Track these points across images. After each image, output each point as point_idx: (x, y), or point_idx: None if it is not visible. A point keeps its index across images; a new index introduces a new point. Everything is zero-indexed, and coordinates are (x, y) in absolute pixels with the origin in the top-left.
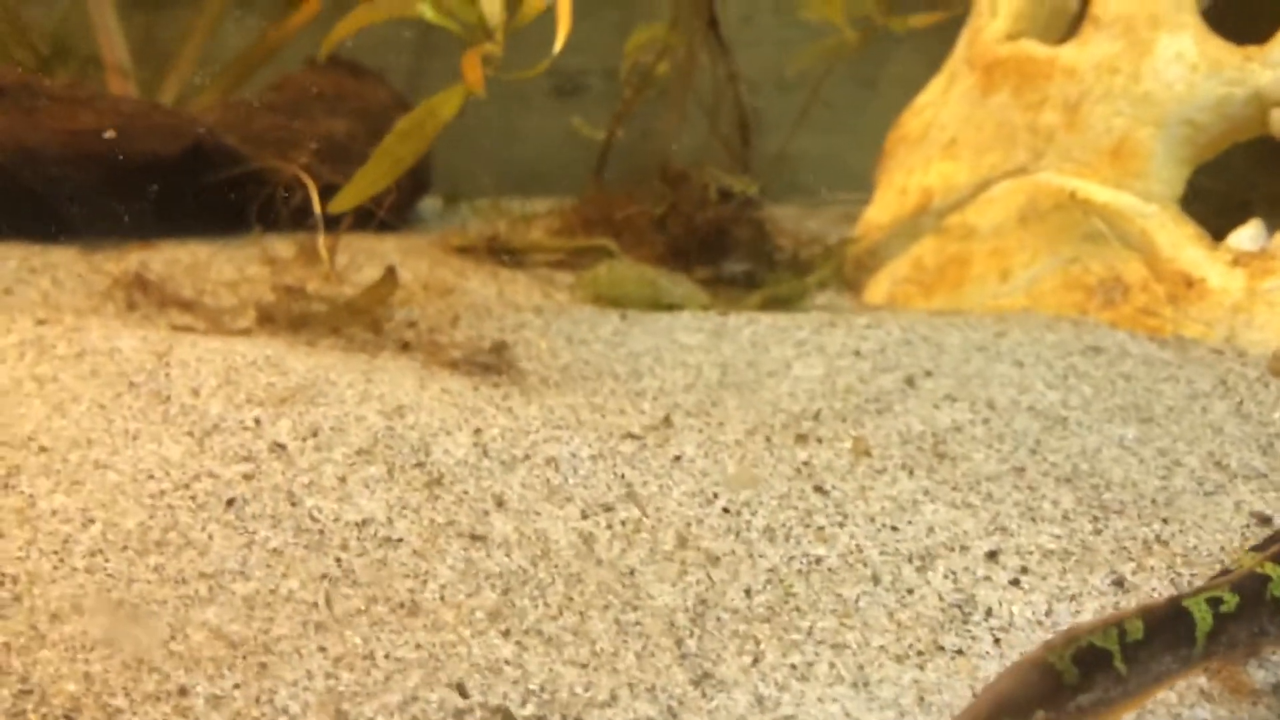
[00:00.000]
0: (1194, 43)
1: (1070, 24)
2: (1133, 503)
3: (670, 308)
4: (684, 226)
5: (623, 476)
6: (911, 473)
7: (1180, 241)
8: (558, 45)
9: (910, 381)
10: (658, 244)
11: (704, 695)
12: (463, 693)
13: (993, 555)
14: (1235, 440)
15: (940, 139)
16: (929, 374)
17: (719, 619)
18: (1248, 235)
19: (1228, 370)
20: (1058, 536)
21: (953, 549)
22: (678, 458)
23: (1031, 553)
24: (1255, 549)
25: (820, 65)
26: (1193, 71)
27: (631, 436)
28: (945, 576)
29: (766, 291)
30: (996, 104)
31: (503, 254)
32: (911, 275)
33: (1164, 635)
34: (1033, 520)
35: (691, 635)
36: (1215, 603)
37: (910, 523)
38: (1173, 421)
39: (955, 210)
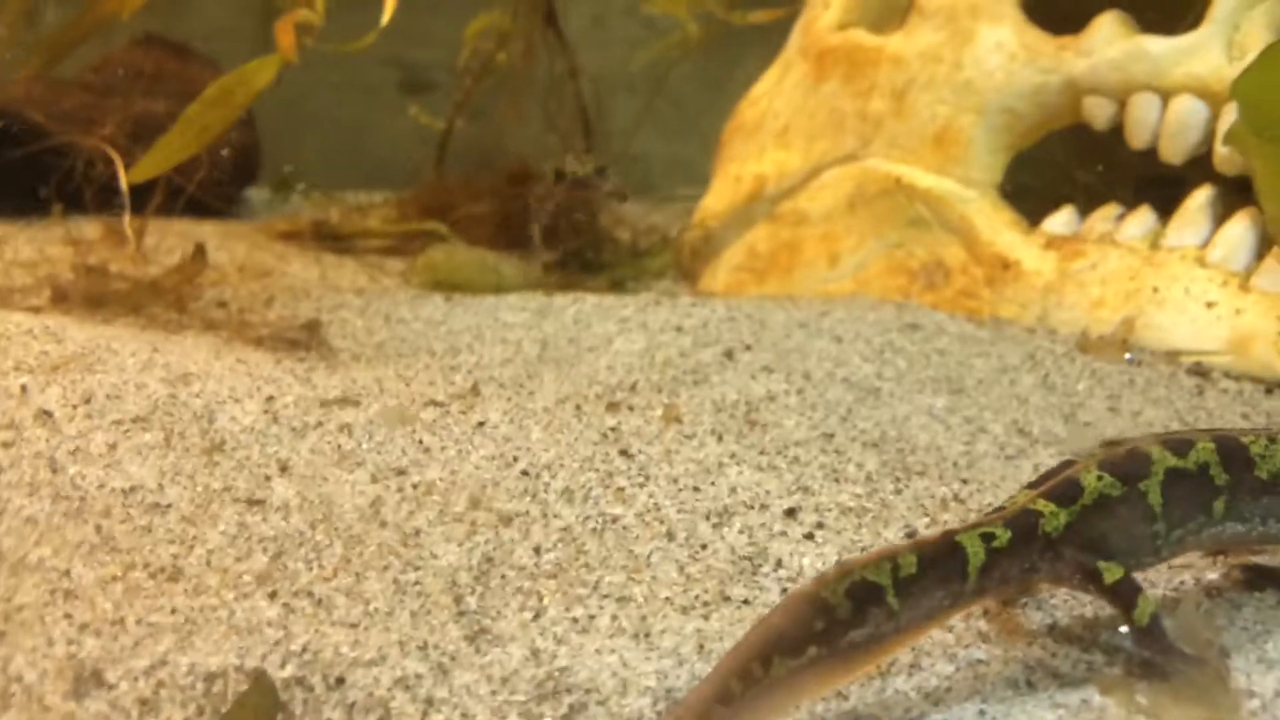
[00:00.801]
0: (1012, 32)
1: (903, 16)
2: (935, 465)
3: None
4: (524, 215)
5: (420, 442)
6: (720, 438)
7: (998, 226)
8: (385, 16)
9: (729, 355)
10: (498, 232)
11: (478, 650)
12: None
13: (791, 512)
14: (1039, 409)
15: (774, 127)
16: (749, 348)
17: (503, 576)
18: (1061, 220)
19: (1037, 346)
20: (858, 495)
21: (752, 507)
22: (481, 424)
23: (830, 510)
24: (1030, 486)
25: (665, 62)
26: (1011, 60)
27: (434, 404)
28: (741, 532)
29: (606, 275)
30: (827, 92)
31: (329, 239)
32: (745, 263)
33: (936, 570)
34: (836, 481)
35: (473, 593)
36: (988, 538)
37: (713, 484)
38: (981, 393)
39: (787, 197)
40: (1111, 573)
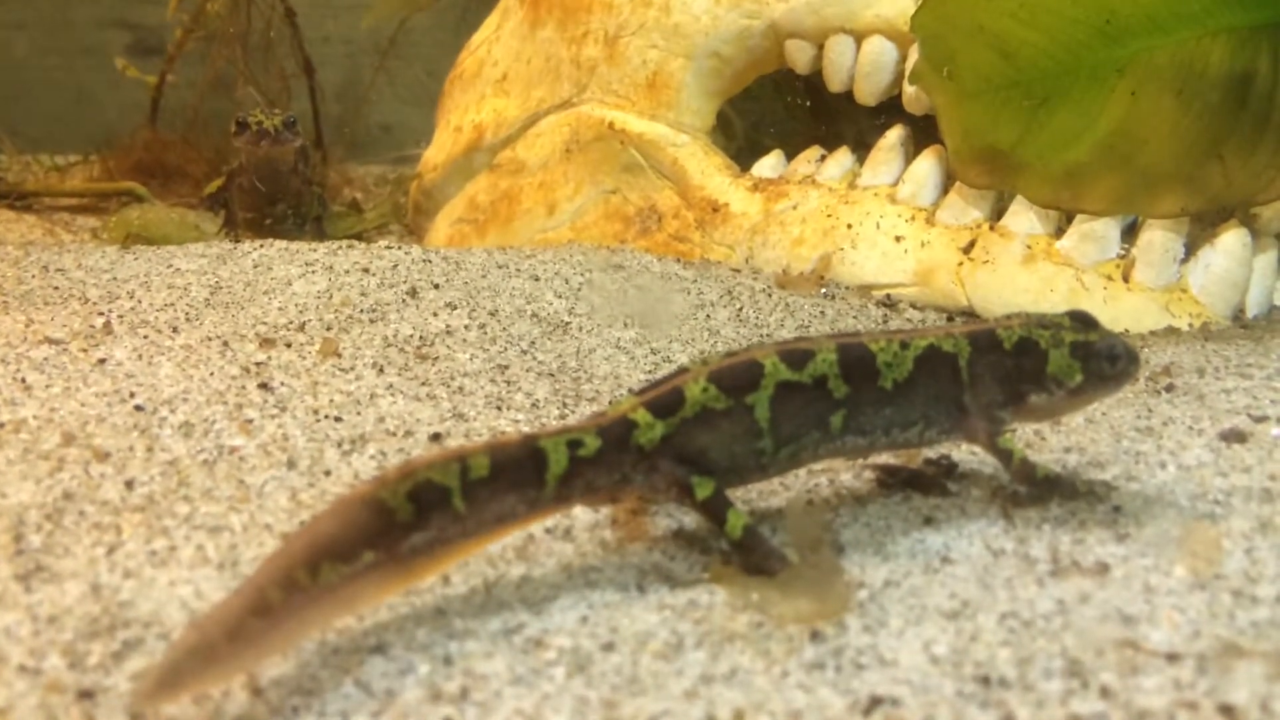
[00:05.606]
0: None
1: None
2: (609, 392)
3: None
4: (235, 173)
5: (23, 380)
6: (381, 370)
7: (709, 170)
8: None
9: (413, 293)
10: (206, 189)
11: (28, 589)
12: None
13: (436, 437)
14: (729, 340)
15: (493, 75)
16: (437, 286)
17: (82, 513)
18: (768, 164)
19: (738, 283)
20: (517, 421)
21: (395, 434)
22: (102, 361)
23: (481, 435)
24: (639, 391)
25: (410, 28)
26: (716, 4)
27: (51, 342)
28: (372, 457)
29: (324, 229)
30: (543, 38)
31: (11, 197)
32: (466, 214)
33: (511, 474)
34: (498, 409)
35: (39, 531)
36: (574, 445)
37: (359, 414)
38: (675, 326)
39: (505, 146)
40: (703, 488)
